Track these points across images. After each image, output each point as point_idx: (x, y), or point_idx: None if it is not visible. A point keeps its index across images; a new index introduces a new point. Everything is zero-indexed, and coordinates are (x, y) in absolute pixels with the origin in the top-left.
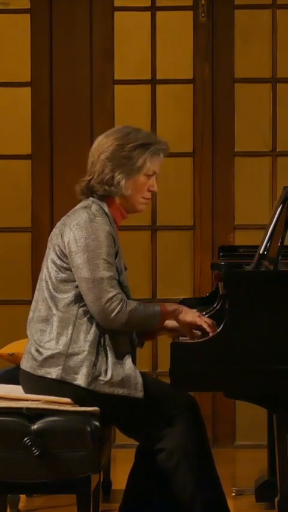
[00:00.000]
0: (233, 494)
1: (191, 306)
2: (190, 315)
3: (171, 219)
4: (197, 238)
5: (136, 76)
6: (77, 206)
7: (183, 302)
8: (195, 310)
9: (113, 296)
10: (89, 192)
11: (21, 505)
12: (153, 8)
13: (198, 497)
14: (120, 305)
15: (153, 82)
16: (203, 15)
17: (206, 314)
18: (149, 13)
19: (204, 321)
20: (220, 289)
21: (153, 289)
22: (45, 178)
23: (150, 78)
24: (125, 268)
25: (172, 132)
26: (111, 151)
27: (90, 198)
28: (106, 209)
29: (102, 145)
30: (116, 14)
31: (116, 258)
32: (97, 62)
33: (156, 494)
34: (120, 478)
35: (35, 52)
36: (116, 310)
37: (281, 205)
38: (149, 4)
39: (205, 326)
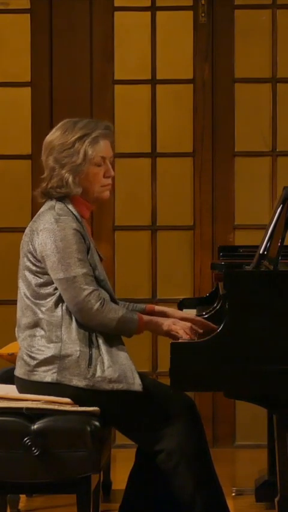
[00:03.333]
0: (233, 494)
1: (191, 306)
2: (166, 325)
3: (171, 219)
4: (197, 238)
5: (136, 76)
6: (42, 209)
7: (183, 302)
8: (185, 310)
9: (90, 293)
10: (48, 196)
11: (21, 505)
12: (153, 8)
13: (198, 498)
14: (99, 302)
15: (153, 82)
16: (203, 15)
17: (206, 314)
18: (149, 13)
19: (179, 328)
20: (220, 289)
21: (153, 289)
22: None
23: (150, 78)
24: (101, 259)
25: (172, 132)
26: (55, 153)
27: (53, 199)
28: (70, 207)
29: (47, 147)
30: (116, 14)
31: (88, 254)
32: (97, 62)
33: (156, 494)
34: (120, 478)
35: (35, 52)
36: (95, 307)
37: (281, 205)
38: (149, 4)
39: (181, 333)
